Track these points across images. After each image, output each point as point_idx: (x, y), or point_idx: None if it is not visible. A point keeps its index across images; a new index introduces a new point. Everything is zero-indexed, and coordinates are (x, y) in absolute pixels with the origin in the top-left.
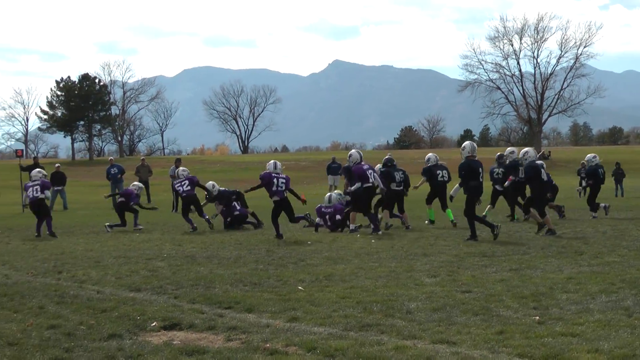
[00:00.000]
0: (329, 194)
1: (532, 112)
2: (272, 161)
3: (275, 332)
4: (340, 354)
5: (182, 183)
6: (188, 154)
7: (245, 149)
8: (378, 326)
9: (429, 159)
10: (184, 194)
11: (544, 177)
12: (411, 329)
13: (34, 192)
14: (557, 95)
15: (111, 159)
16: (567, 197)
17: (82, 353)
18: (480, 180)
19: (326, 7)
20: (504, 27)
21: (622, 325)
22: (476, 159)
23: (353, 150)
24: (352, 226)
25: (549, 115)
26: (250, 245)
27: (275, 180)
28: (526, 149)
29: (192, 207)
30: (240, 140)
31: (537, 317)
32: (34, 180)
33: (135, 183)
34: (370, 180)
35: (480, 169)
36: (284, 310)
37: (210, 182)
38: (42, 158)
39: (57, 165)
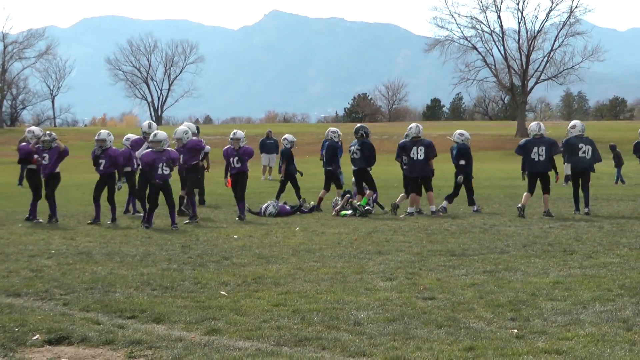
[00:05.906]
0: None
1: (516, 78)
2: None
3: (189, 348)
4: None
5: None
6: (86, 125)
7: (158, 120)
8: (318, 340)
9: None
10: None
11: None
12: (359, 344)
13: None
14: (546, 58)
15: None
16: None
17: None
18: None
19: None
20: None
21: (619, 341)
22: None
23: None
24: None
25: (536, 82)
26: (162, 240)
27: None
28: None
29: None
30: (152, 108)
31: (515, 330)
32: None
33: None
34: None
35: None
36: (201, 320)
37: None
38: None
39: None
